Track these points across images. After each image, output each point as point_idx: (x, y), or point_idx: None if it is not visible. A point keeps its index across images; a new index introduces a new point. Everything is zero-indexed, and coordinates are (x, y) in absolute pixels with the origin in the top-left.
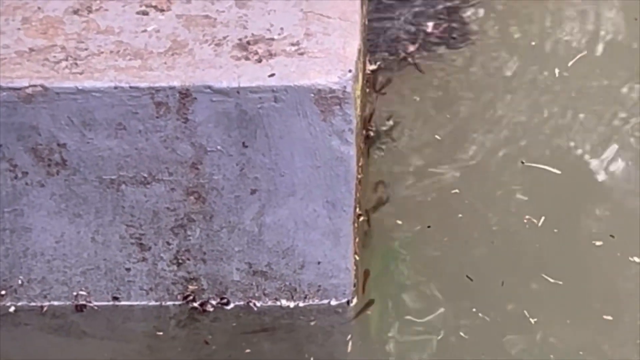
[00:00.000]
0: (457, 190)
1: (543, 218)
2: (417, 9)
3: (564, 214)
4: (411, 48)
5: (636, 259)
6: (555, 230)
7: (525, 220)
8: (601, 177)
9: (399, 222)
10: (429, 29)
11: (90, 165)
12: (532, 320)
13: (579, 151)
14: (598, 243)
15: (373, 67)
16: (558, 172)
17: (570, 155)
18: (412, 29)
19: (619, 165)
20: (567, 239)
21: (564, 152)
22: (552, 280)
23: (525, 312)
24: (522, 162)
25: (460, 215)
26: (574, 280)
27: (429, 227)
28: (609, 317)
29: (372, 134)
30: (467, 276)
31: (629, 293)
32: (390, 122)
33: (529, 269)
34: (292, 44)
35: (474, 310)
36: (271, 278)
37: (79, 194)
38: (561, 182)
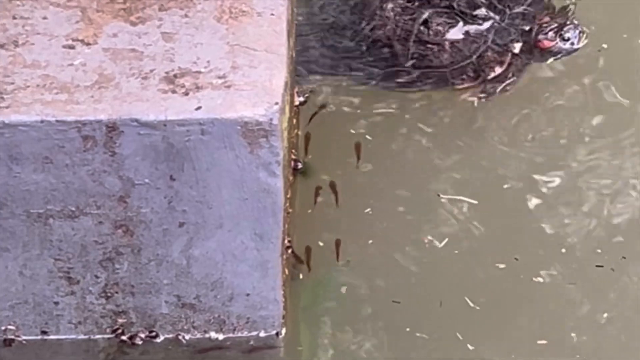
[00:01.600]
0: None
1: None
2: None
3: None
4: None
5: (540, 279)
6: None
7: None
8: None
9: (328, 252)
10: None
11: (18, 199)
12: (470, 347)
13: None
14: (501, 265)
15: (301, 99)
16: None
17: None
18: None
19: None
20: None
21: None
22: (471, 304)
23: (458, 334)
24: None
25: (373, 243)
26: (490, 304)
27: (348, 261)
28: (543, 341)
29: (300, 165)
30: (393, 301)
31: (544, 314)
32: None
33: (452, 292)
34: (219, 77)
35: (407, 330)
36: (200, 310)
37: (6, 228)
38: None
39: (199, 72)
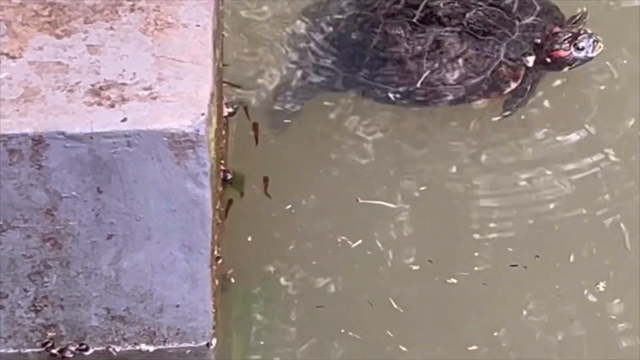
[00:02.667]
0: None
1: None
2: None
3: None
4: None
5: (454, 280)
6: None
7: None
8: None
9: (258, 262)
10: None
11: None
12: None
13: None
14: (415, 267)
15: (230, 110)
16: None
17: None
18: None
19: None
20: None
21: None
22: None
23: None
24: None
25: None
26: (412, 305)
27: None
28: (474, 347)
29: (229, 176)
30: (316, 306)
31: (463, 314)
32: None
33: (376, 295)
34: (145, 89)
35: (342, 331)
36: (130, 322)
37: None
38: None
39: (125, 84)
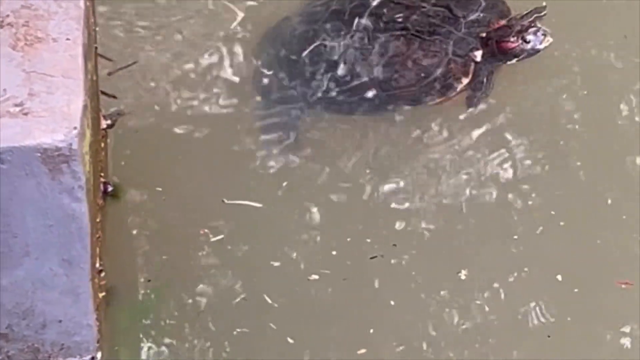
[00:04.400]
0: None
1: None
2: None
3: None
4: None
5: (315, 277)
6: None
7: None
8: None
9: (142, 273)
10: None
11: None
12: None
13: None
14: (276, 264)
15: (108, 122)
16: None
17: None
18: None
19: None
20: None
21: None
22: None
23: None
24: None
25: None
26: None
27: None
28: (363, 350)
29: (110, 188)
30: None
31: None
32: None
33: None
34: (16, 105)
35: (231, 331)
36: (13, 340)
37: None
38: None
39: None
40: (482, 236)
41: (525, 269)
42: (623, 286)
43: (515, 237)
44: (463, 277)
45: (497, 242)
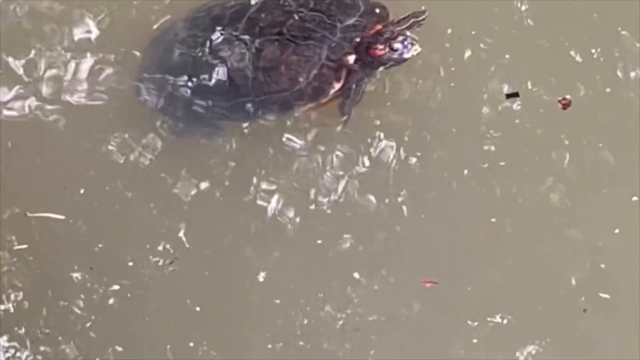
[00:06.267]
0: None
1: None
2: None
3: None
4: None
5: (116, 287)
6: None
7: None
8: None
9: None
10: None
11: None
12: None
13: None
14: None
15: None
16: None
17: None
18: None
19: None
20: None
21: None
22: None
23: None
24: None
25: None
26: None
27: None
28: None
29: None
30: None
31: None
32: None
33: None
34: None
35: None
36: None
37: None
38: None
39: None
40: (344, 231)
41: (388, 266)
42: (428, 285)
43: (384, 234)
44: (261, 280)
45: (359, 241)
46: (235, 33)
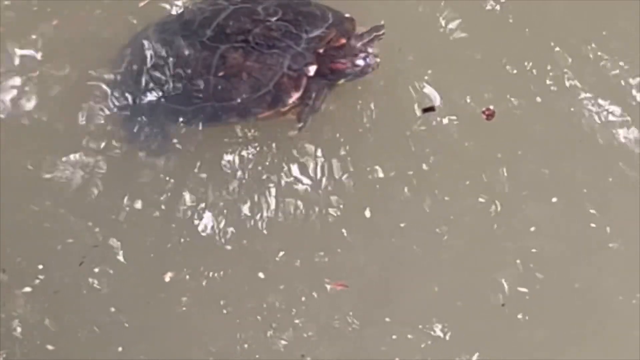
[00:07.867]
0: None
1: None
2: None
3: None
4: None
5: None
6: None
7: None
8: None
9: None
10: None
11: None
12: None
13: None
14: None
15: None
16: None
17: None
18: None
19: None
20: None
21: None
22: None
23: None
24: None
25: None
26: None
27: None
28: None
29: None
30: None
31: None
32: None
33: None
34: None
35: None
36: None
37: None
38: None
39: None
40: (287, 245)
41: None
42: (338, 288)
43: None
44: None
45: (304, 253)
46: (201, 39)
